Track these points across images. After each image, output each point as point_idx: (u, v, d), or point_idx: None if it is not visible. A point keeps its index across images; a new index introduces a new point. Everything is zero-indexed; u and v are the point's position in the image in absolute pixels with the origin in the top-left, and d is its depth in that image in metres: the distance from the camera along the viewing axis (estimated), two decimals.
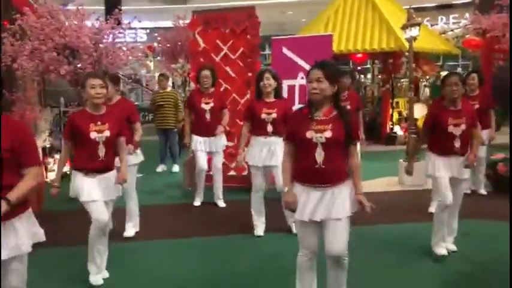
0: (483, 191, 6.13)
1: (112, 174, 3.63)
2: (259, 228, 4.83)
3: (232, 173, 6.77)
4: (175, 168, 8.39)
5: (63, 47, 5.90)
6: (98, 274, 3.70)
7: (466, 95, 5.50)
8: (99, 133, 3.47)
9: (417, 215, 5.30)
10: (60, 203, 5.55)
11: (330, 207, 2.79)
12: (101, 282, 3.69)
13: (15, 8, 6.32)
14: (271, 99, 4.61)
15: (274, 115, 4.55)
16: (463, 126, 3.88)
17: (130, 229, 4.88)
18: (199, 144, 5.64)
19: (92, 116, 3.51)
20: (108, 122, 3.53)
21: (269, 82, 4.53)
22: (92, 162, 3.49)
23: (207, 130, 5.60)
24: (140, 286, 3.76)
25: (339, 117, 2.82)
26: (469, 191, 5.87)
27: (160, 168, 8.47)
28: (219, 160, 5.79)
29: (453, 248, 4.17)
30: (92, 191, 3.50)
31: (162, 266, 4.12)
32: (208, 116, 5.56)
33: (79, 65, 5.99)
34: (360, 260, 3.71)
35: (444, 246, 4.07)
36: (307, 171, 2.81)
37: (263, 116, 4.56)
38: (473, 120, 3.96)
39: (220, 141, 5.74)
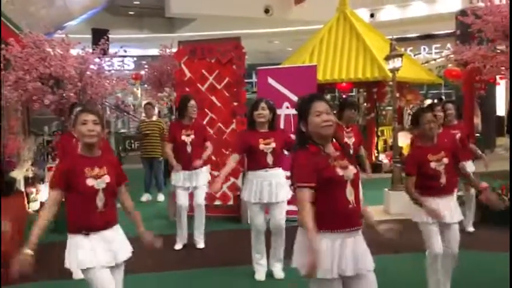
0: (471, 229, 5.78)
1: (117, 229, 2.99)
2: (261, 273, 4.43)
3: (217, 202, 6.72)
4: (161, 197, 8.31)
5: (48, 76, 5.90)
6: None
7: (445, 125, 5.47)
8: (97, 179, 2.83)
9: (402, 246, 5.24)
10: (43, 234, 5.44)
11: (362, 257, 2.50)
12: None
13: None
14: (265, 129, 4.31)
15: (273, 145, 4.23)
16: (446, 160, 3.58)
17: None
18: (180, 180, 5.31)
19: (86, 159, 2.87)
20: (105, 166, 2.90)
21: (264, 112, 4.26)
22: (90, 217, 2.84)
23: (188, 164, 5.25)
24: None
25: (345, 153, 2.60)
26: None
27: (145, 197, 8.38)
28: (201, 196, 5.42)
29: None
30: (93, 256, 2.82)
31: None
32: (189, 148, 5.26)
33: (63, 95, 5.98)
34: None
35: None
36: (340, 214, 2.47)
37: (261, 146, 4.22)
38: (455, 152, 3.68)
39: (203, 176, 5.43)
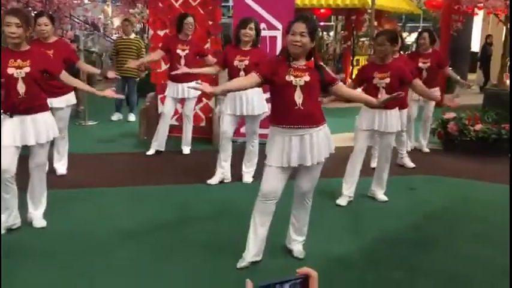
0: (426, 149, 6.28)
1: (41, 116, 3.47)
2: (217, 176, 4.87)
3: None
4: (132, 117, 8.19)
5: None
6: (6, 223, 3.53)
7: (419, 52, 5.99)
8: (18, 69, 3.32)
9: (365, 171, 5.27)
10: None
11: (309, 152, 2.95)
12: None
13: None
14: (247, 48, 4.65)
15: (246, 62, 4.58)
16: (388, 80, 4.12)
17: (61, 167, 5.00)
18: (171, 91, 5.69)
19: (12, 53, 3.35)
20: (30, 59, 3.37)
21: (251, 32, 4.58)
22: (13, 101, 3.35)
23: (181, 76, 5.37)
24: (90, 234, 3.67)
25: (315, 69, 2.96)
26: (409, 149, 6.05)
27: (116, 116, 8.25)
28: (190, 107, 5.90)
29: (384, 198, 4.48)
30: (8, 135, 3.36)
31: (115, 213, 4.09)
32: (182, 62, 5.49)
33: (29, 3, 5.66)
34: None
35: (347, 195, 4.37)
36: (287, 112, 2.91)
37: (235, 63, 4.60)
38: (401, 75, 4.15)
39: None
